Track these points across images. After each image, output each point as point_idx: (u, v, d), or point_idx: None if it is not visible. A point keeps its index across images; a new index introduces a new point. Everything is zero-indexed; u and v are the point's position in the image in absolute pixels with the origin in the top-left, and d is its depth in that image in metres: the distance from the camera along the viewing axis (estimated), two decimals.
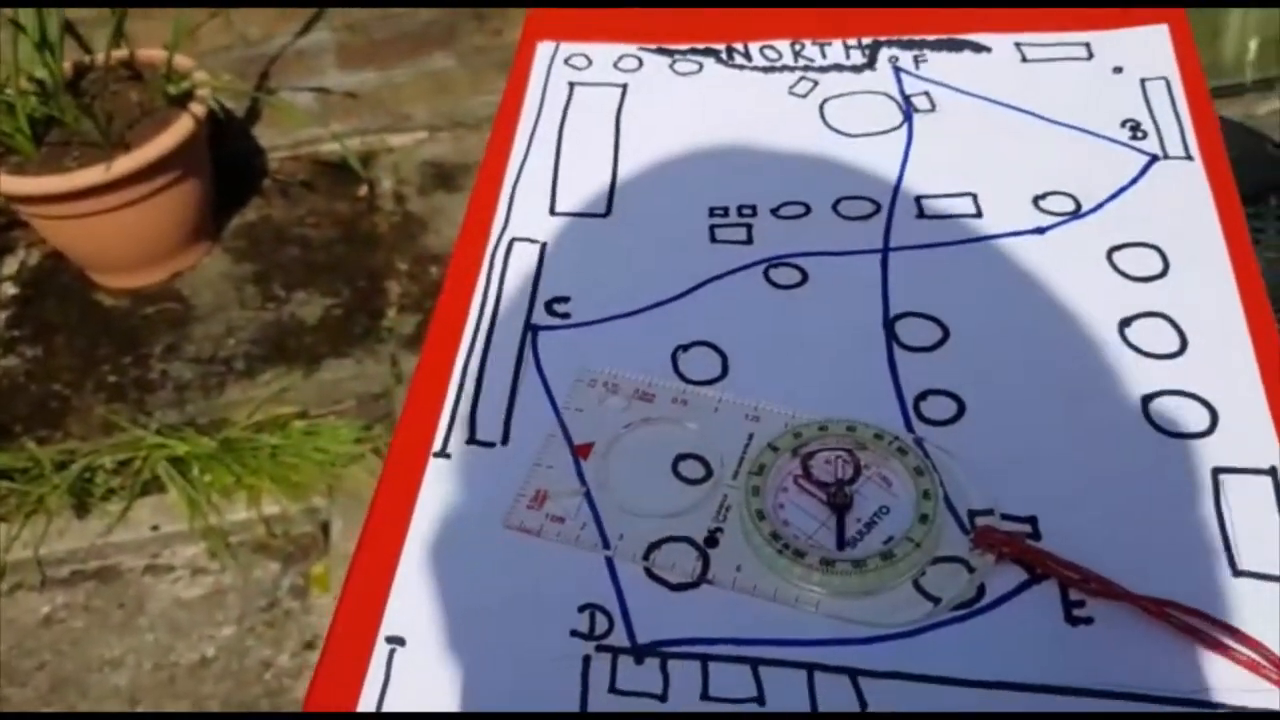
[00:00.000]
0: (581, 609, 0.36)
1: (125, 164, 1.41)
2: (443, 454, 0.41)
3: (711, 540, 0.37)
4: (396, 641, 0.36)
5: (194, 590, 1.26)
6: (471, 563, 0.37)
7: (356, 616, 0.36)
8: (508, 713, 0.34)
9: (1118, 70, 0.52)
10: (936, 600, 0.35)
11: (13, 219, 1.66)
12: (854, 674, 0.34)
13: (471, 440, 0.41)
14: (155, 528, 1.30)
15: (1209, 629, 0.33)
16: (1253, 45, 1.54)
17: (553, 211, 0.49)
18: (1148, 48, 0.53)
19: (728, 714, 0.33)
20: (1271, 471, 0.37)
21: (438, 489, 0.40)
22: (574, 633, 0.35)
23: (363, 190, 1.65)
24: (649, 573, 0.37)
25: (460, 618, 0.36)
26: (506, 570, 0.37)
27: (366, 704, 0.34)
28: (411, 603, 0.37)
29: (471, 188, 0.50)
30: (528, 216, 0.49)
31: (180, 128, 1.45)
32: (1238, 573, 0.35)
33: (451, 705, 0.34)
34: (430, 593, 0.37)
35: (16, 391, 1.46)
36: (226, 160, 1.64)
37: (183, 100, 1.49)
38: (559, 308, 0.45)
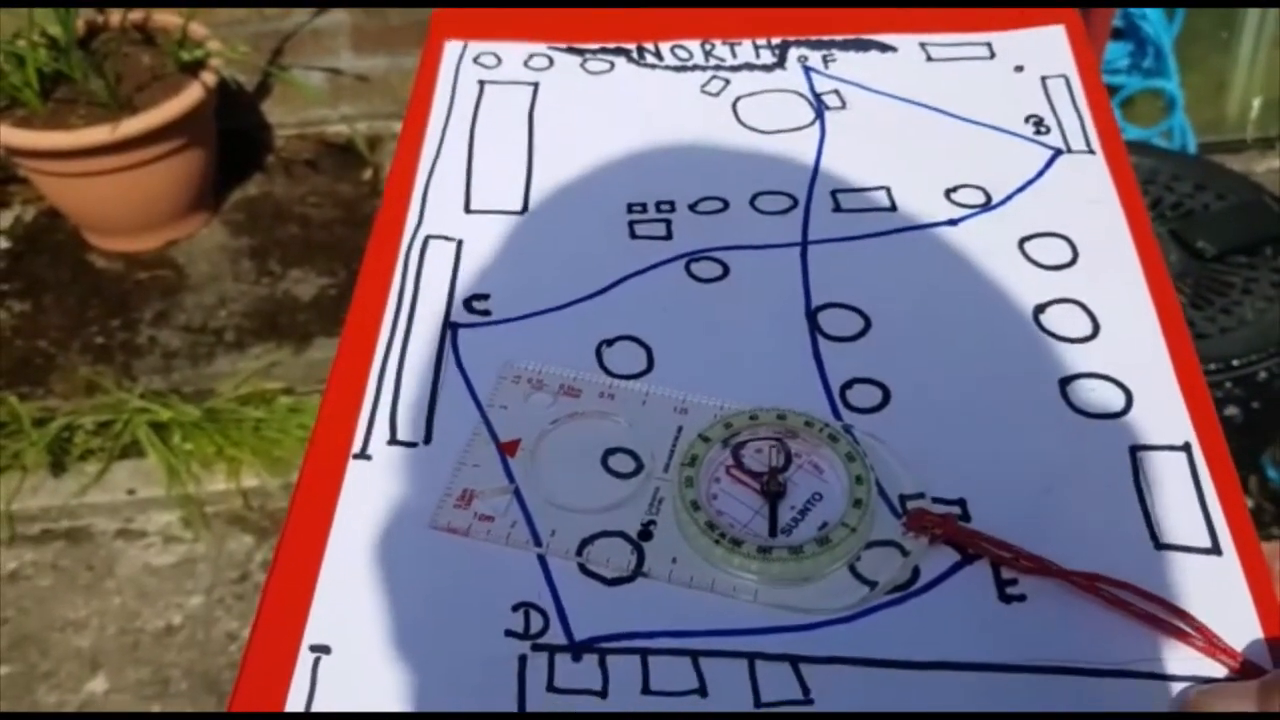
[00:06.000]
0: (515, 608, 0.35)
1: (131, 126, 1.39)
2: (363, 455, 0.39)
3: (645, 534, 0.37)
4: (321, 650, 0.34)
5: (165, 557, 1.23)
6: (398, 565, 0.36)
7: (277, 625, 0.35)
8: (451, 713, 0.32)
9: (1019, 69, 0.54)
10: (873, 584, 0.35)
11: (10, 174, 1.62)
12: (795, 660, 0.33)
13: (393, 441, 0.40)
14: (131, 492, 1.27)
15: (1136, 601, 0.34)
16: (1256, 104, 1.60)
17: (468, 209, 0.48)
18: (1046, 47, 0.55)
19: (670, 713, 0.33)
20: (1185, 447, 0.38)
21: (359, 491, 0.38)
22: (509, 632, 0.34)
23: (367, 174, 1.63)
24: (583, 568, 0.36)
25: (388, 622, 0.35)
26: (435, 571, 0.36)
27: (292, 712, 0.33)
28: (335, 609, 0.35)
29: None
30: (442, 214, 0.48)
31: (189, 95, 1.43)
32: (1159, 546, 0.36)
33: (381, 713, 0.33)
34: (355, 598, 0.35)
35: (1, 346, 1.43)
36: (232, 133, 1.62)
37: (194, 68, 1.47)
38: (478, 305, 0.44)
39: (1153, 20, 1.48)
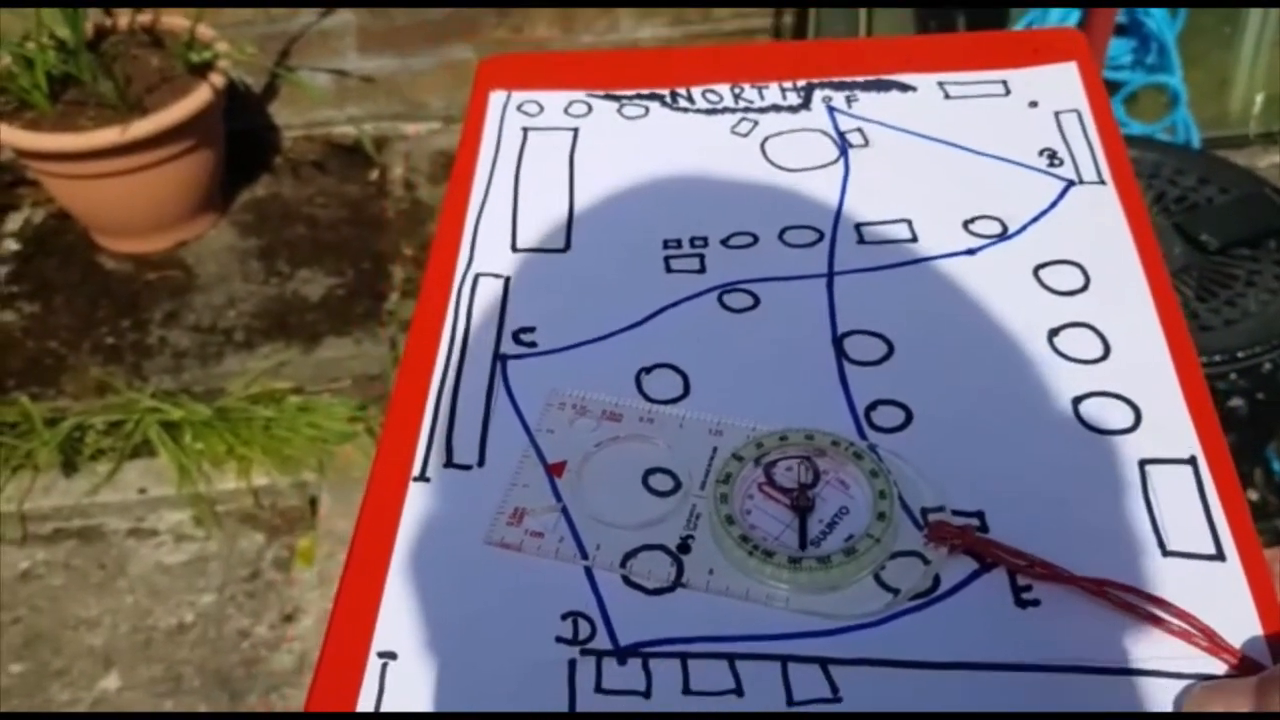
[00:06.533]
0: (564, 616, 0.38)
1: (141, 128, 1.41)
2: (422, 478, 0.42)
3: (684, 547, 0.39)
4: (388, 656, 0.37)
5: (177, 556, 1.27)
6: (456, 577, 0.39)
7: (348, 633, 0.38)
8: (508, 713, 0.35)
9: (1033, 105, 0.56)
10: (896, 591, 0.37)
11: (19, 176, 1.66)
12: (824, 663, 0.36)
13: (449, 464, 0.43)
14: (143, 491, 1.30)
15: (1144, 604, 0.36)
16: (1259, 99, 1.61)
17: (514, 248, 0.51)
18: (1059, 83, 0.57)
19: (709, 714, 0.35)
20: (1191, 460, 0.40)
21: (419, 510, 0.41)
22: (558, 639, 0.37)
23: (374, 175, 1.67)
24: (626, 580, 0.39)
25: (449, 629, 0.38)
26: (490, 583, 0.39)
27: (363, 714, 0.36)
28: (401, 618, 0.38)
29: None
30: (490, 253, 0.51)
31: (198, 96, 1.46)
32: (1167, 553, 0.38)
33: (444, 713, 0.36)
34: (418, 607, 0.38)
35: (12, 347, 1.47)
36: (240, 134, 1.65)
37: (202, 70, 1.49)
38: (525, 337, 0.47)
39: (1156, 16, 1.49)
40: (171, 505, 1.30)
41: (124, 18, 1.56)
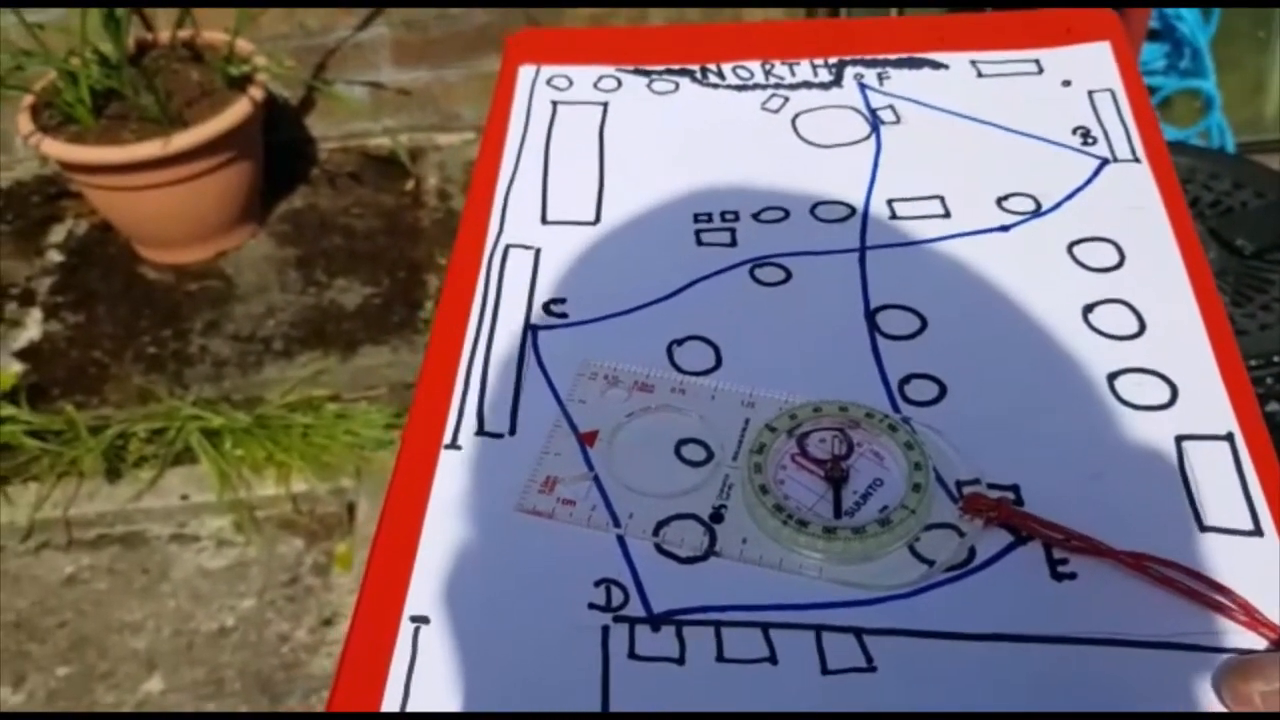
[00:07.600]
0: (597, 583, 0.38)
1: (182, 140, 1.44)
2: (453, 445, 0.42)
3: (717, 516, 0.39)
4: (420, 620, 0.37)
5: (218, 561, 1.28)
6: (488, 544, 0.39)
7: (380, 598, 0.38)
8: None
9: (1066, 83, 0.56)
10: (931, 563, 0.37)
11: (63, 189, 1.69)
12: (859, 632, 0.36)
13: (480, 432, 0.43)
14: (185, 497, 1.32)
15: (1182, 578, 0.36)
16: None
17: (544, 220, 0.51)
18: (1092, 63, 0.57)
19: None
20: (1229, 437, 0.40)
21: (451, 477, 0.41)
22: (591, 605, 0.37)
23: (409, 185, 1.68)
24: (659, 548, 0.39)
25: (481, 595, 0.38)
26: (522, 550, 0.39)
27: (395, 679, 0.36)
28: (433, 583, 0.38)
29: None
30: (521, 225, 0.51)
31: (238, 109, 1.48)
32: (1204, 528, 0.38)
33: (477, 678, 0.36)
34: (450, 573, 0.38)
35: (57, 356, 1.49)
36: (277, 146, 1.67)
37: (241, 83, 1.52)
38: (556, 308, 0.47)
39: (1189, 21, 1.48)
40: (212, 511, 1.32)
41: (165, 33, 1.58)
